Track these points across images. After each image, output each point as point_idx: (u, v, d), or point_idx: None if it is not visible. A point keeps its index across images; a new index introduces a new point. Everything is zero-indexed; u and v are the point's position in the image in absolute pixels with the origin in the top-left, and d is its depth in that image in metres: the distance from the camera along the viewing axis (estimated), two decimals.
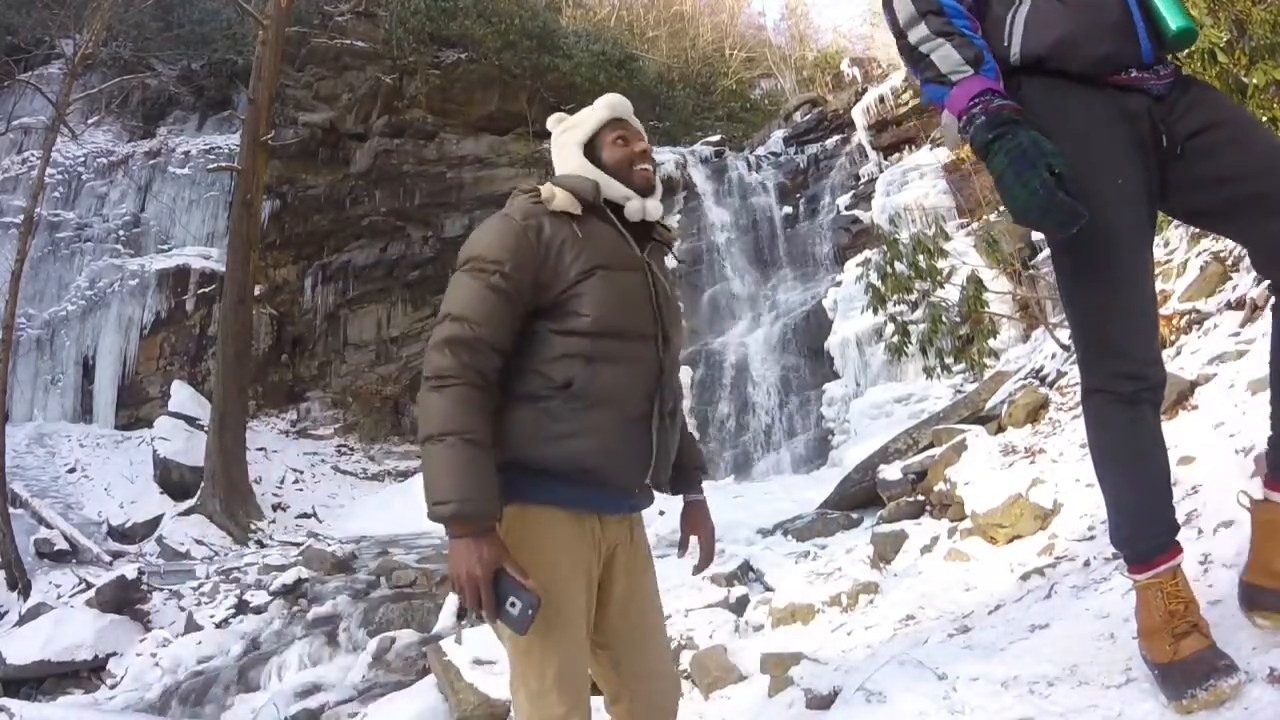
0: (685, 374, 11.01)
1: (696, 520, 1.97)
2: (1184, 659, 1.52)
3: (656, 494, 1.78)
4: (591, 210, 1.70)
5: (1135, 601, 1.65)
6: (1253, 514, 1.66)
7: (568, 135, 1.83)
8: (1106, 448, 1.65)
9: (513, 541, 1.56)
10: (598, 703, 1.78)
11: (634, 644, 1.76)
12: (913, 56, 1.63)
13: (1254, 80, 4.20)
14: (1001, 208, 9.20)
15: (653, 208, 1.79)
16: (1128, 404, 1.59)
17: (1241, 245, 1.69)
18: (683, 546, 1.97)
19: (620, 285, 1.66)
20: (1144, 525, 1.62)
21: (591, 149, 1.80)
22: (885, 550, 4.15)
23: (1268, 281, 1.62)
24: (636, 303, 1.69)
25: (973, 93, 1.52)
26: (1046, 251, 7.92)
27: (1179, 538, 1.64)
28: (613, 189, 1.75)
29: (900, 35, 1.65)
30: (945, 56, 1.56)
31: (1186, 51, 3.64)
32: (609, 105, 1.84)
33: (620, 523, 1.74)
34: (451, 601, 5.21)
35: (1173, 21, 1.52)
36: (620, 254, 1.70)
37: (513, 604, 1.47)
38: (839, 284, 10.68)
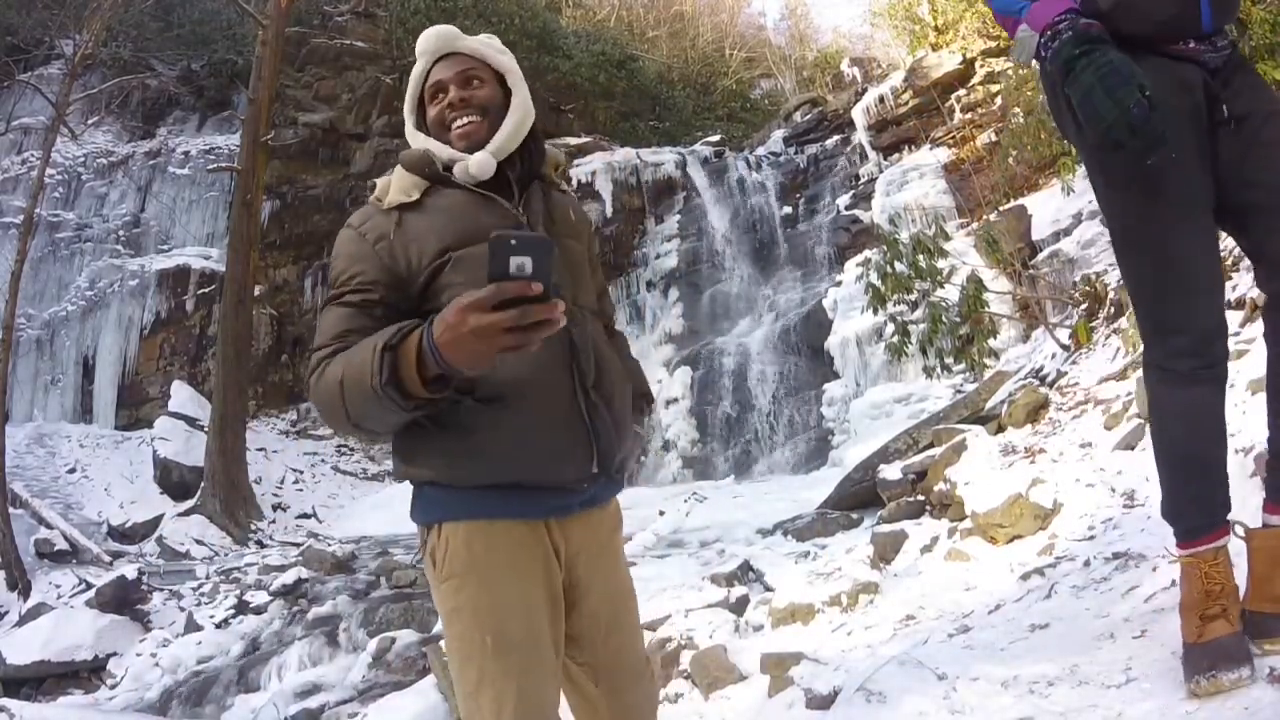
0: (685, 374, 11.02)
1: None
2: (1205, 643, 1.53)
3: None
4: (437, 180, 1.48)
5: (1178, 577, 1.66)
6: (1249, 542, 1.64)
7: (406, 99, 1.60)
8: (1161, 424, 1.64)
9: (453, 566, 1.40)
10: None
11: (610, 651, 1.56)
12: None
13: None
14: (1001, 208, 9.21)
15: (477, 163, 1.46)
16: (1186, 382, 1.56)
17: (1250, 255, 1.66)
18: None
19: (480, 259, 1.28)
20: (1190, 503, 1.62)
21: (422, 110, 1.57)
22: (885, 550, 4.15)
23: (1266, 298, 1.61)
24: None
25: (1059, 9, 1.49)
26: (1047, 252, 7.92)
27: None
28: (441, 153, 1.50)
29: None
30: None
31: None
32: (421, 52, 1.56)
33: (582, 520, 1.51)
34: None
35: None
36: (475, 224, 1.43)
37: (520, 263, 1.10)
38: (839, 284, 10.68)
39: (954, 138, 11.50)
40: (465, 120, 1.50)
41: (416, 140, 1.55)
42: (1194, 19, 1.51)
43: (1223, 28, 1.56)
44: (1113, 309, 5.43)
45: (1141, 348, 1.77)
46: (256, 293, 12.77)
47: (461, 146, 1.49)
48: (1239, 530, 1.67)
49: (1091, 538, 2.98)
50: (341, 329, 1.39)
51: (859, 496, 5.65)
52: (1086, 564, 2.69)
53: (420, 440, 1.42)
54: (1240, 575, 1.65)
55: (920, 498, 4.74)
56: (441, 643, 1.54)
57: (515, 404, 1.39)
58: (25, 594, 8.18)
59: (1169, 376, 1.58)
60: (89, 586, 7.78)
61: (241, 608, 7.10)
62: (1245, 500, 1.74)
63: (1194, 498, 1.61)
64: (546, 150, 1.59)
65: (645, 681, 1.65)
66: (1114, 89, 1.39)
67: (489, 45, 1.59)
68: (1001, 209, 9.21)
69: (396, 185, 1.49)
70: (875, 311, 6.92)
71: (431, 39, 1.55)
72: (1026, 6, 1.54)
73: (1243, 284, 4.12)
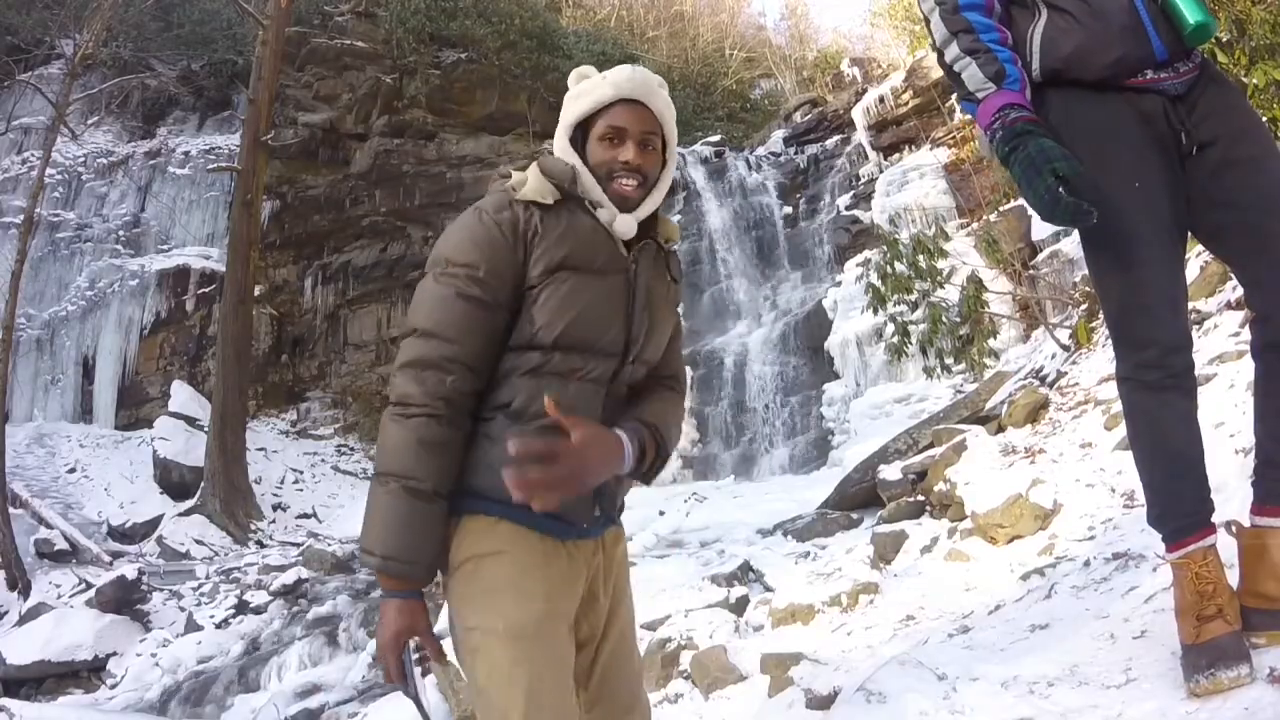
0: (685, 374, 11.01)
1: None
2: (1203, 643, 1.56)
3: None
4: (570, 198, 1.48)
5: (1171, 581, 1.69)
6: (1239, 540, 1.69)
7: (568, 106, 1.56)
8: (1136, 431, 1.71)
9: (472, 549, 1.39)
10: None
11: (610, 676, 1.54)
12: (949, 74, 1.71)
13: (1254, 80, 4.20)
14: (1001, 208, 9.22)
15: (622, 225, 1.50)
16: (1154, 391, 1.63)
17: (1234, 273, 1.73)
18: None
19: (587, 290, 1.44)
20: (1173, 505, 1.67)
21: (583, 131, 1.54)
22: (885, 550, 4.15)
23: (1255, 314, 1.67)
24: (603, 313, 1.46)
25: (994, 109, 1.60)
26: (1047, 252, 7.92)
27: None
28: (589, 188, 1.50)
29: (939, 55, 1.73)
30: (971, 75, 1.64)
31: None
32: (614, 84, 1.51)
33: (589, 544, 1.50)
34: None
35: (1190, 16, 1.55)
36: (595, 252, 1.46)
37: (412, 690, 1.34)
38: (839, 284, 10.68)
39: (954, 138, 11.50)
40: (629, 182, 1.50)
41: (569, 157, 1.53)
42: (1146, 52, 1.59)
43: (1182, 53, 1.61)
44: None
45: None
46: (256, 293, 12.78)
47: (613, 200, 1.50)
48: (1231, 528, 1.70)
49: (1091, 538, 2.99)
50: (466, 327, 1.39)
51: (859, 497, 5.65)
52: (1086, 564, 2.69)
53: (476, 447, 1.43)
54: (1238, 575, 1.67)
55: (920, 498, 4.74)
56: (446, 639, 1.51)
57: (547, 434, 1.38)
58: (25, 594, 8.19)
59: (1139, 387, 1.65)
60: (89, 586, 7.78)
61: (241, 608, 7.11)
62: (1246, 500, 1.74)
63: (1175, 500, 1.66)
64: (661, 217, 1.63)
65: (636, 716, 1.60)
66: (1031, 180, 1.52)
67: (669, 108, 1.59)
68: (1001, 209, 9.21)
69: (534, 185, 1.47)
70: (875, 312, 6.92)
71: (635, 84, 1.53)
72: (974, 109, 1.65)
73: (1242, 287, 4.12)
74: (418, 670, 1.37)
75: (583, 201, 1.50)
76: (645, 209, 1.54)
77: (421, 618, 1.37)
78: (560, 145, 1.56)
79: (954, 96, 1.76)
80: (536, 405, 1.38)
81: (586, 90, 1.54)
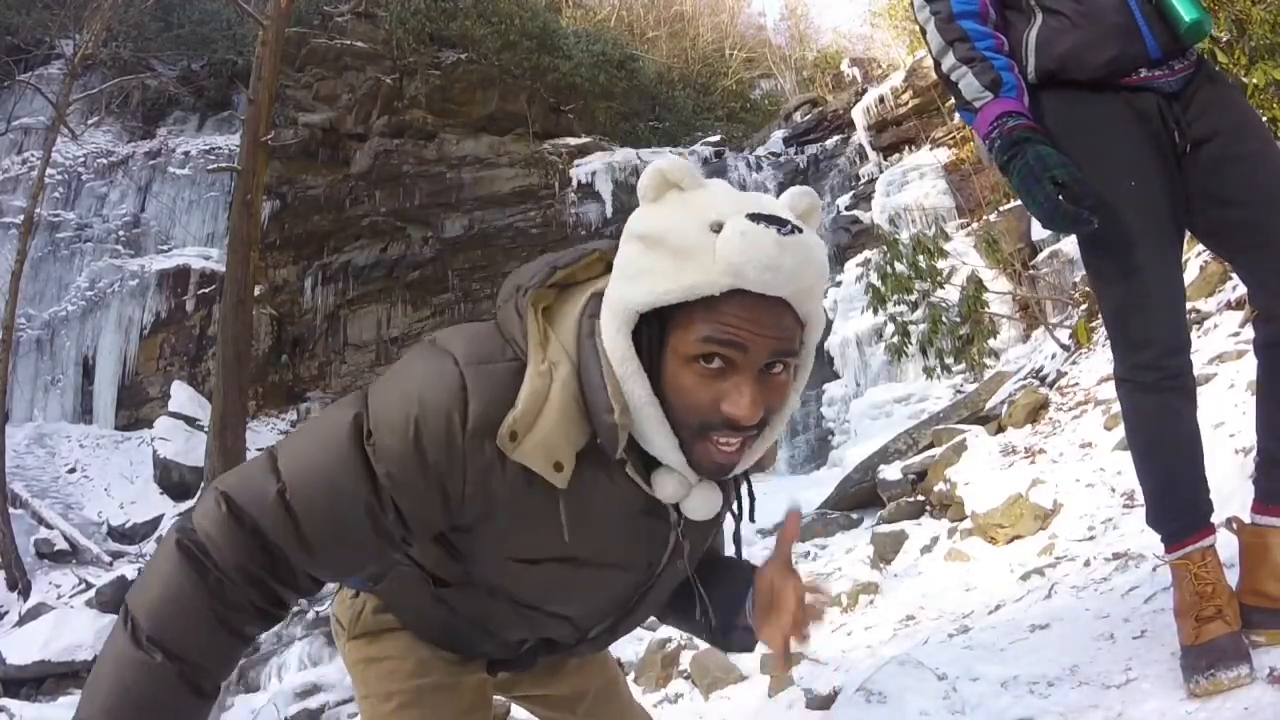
0: None
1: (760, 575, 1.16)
2: (1202, 644, 1.56)
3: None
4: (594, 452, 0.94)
5: (1171, 581, 1.69)
6: (1240, 537, 1.69)
7: (638, 260, 0.90)
8: (1135, 432, 1.71)
9: (366, 626, 1.22)
10: None
11: (599, 708, 1.41)
12: (947, 84, 1.70)
13: (1254, 80, 4.20)
14: (1001, 208, 9.22)
15: (700, 504, 0.99)
16: (1152, 391, 1.63)
17: (1235, 271, 1.73)
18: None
19: (584, 577, 1.05)
20: (1172, 506, 1.67)
21: (660, 332, 0.89)
22: (885, 550, 4.15)
23: (1257, 311, 1.67)
24: (612, 592, 1.11)
25: (991, 118, 1.59)
26: (1047, 252, 7.93)
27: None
28: (656, 439, 0.91)
29: (936, 65, 1.72)
30: (968, 84, 1.63)
31: None
32: (735, 270, 0.84)
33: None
34: None
35: (1185, 14, 1.54)
36: (612, 541, 1.02)
37: None
38: (839, 284, 10.67)
39: (954, 138, 11.50)
40: (731, 443, 0.91)
41: (631, 380, 0.89)
42: (1140, 51, 1.58)
43: (1177, 51, 1.60)
44: None
45: None
46: (256, 293, 12.77)
47: (699, 466, 0.93)
48: (1232, 524, 1.70)
49: (1091, 538, 2.99)
50: (315, 527, 0.91)
51: (859, 497, 5.65)
52: (1086, 564, 2.69)
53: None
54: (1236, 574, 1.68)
55: (920, 498, 4.74)
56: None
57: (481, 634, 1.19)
58: (25, 594, 8.19)
59: (1137, 387, 1.65)
60: (89, 586, 7.78)
61: None
62: (1246, 500, 1.74)
63: (1174, 501, 1.66)
64: None
65: None
66: (1030, 188, 1.51)
67: (822, 279, 0.94)
68: (1001, 209, 9.21)
69: (547, 431, 0.90)
70: (875, 312, 6.92)
71: (784, 270, 0.86)
72: (972, 117, 1.65)
73: (1243, 285, 4.12)
74: None
75: (624, 462, 0.94)
76: (743, 468, 0.98)
77: None
78: (616, 348, 0.90)
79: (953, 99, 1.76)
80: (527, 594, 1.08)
81: (687, 245, 0.86)
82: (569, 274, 1.00)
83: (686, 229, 0.87)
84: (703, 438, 0.90)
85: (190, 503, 10.47)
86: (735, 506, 1.13)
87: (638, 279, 0.89)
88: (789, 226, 0.87)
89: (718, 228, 0.86)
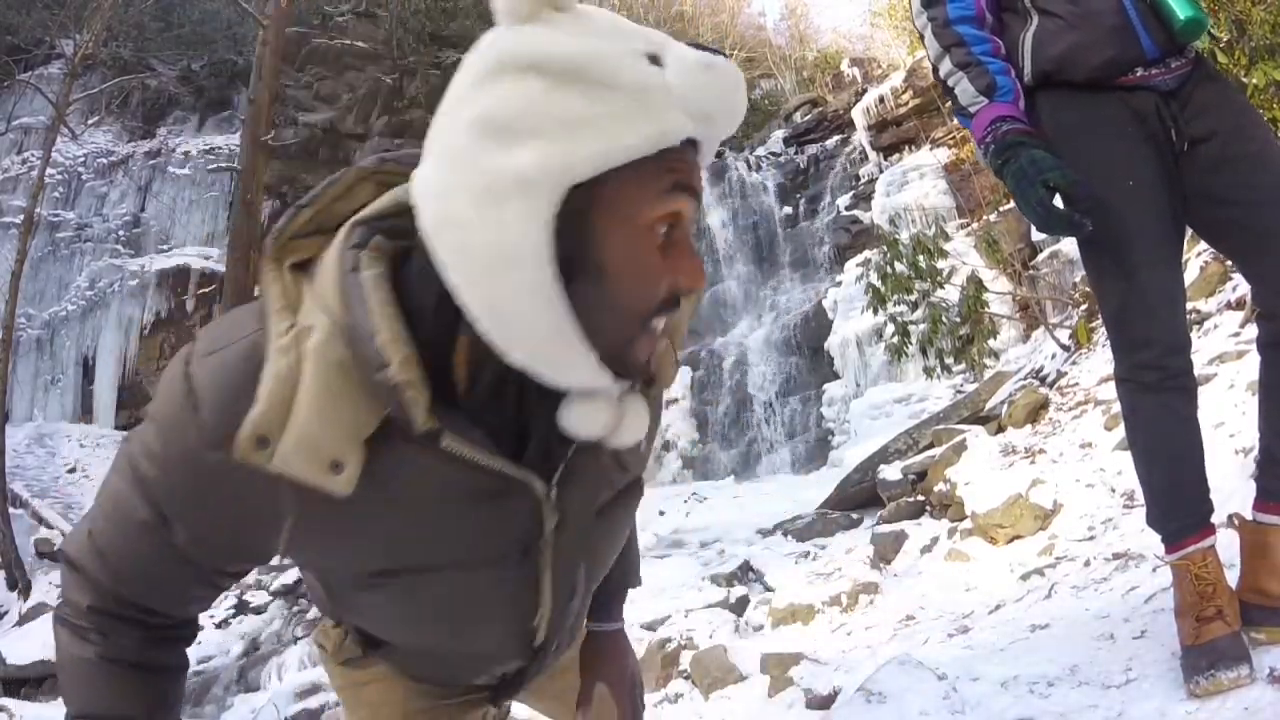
0: (685, 374, 11.02)
1: (596, 662, 1.11)
2: (1203, 644, 1.56)
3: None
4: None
5: (1171, 581, 1.69)
6: (1240, 533, 1.69)
7: (567, 102, 0.64)
8: (1135, 432, 1.71)
9: (352, 652, 1.03)
10: None
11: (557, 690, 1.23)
12: (944, 89, 1.71)
13: (1254, 80, 4.20)
14: (1001, 208, 9.23)
15: (634, 425, 0.75)
16: (1153, 391, 1.63)
17: (1238, 269, 1.73)
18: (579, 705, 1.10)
19: (436, 591, 0.83)
20: (1172, 506, 1.66)
21: (583, 214, 0.65)
22: (885, 550, 4.15)
23: (1259, 310, 1.67)
24: (485, 609, 0.88)
25: (986, 122, 1.60)
26: (1047, 252, 7.93)
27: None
28: (570, 366, 0.68)
29: (934, 70, 1.73)
30: (964, 90, 1.64)
31: None
32: (704, 114, 0.68)
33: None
34: None
35: (1180, 12, 1.54)
36: (470, 530, 0.78)
37: None
38: (839, 284, 10.68)
39: (954, 138, 11.49)
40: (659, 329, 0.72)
41: (538, 282, 0.65)
42: (1136, 51, 1.58)
43: (1174, 50, 1.60)
44: None
45: None
46: (256, 293, 12.77)
47: (630, 366, 0.71)
48: (1233, 520, 1.70)
49: (1091, 538, 2.99)
50: (129, 556, 0.80)
51: (859, 497, 5.65)
52: (1086, 564, 2.69)
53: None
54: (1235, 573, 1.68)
55: (920, 498, 4.74)
56: None
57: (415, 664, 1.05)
58: (25, 594, 8.19)
59: (1137, 387, 1.65)
60: None
61: (241, 608, 7.10)
62: (1245, 500, 1.75)
63: (1174, 501, 1.66)
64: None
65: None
66: (1024, 192, 1.52)
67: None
68: (1001, 209, 9.21)
69: (305, 433, 0.67)
70: (875, 312, 6.92)
71: (735, 115, 0.71)
72: (969, 122, 1.66)
73: (1243, 284, 4.12)
74: None
75: (437, 435, 0.69)
76: (647, 406, 0.79)
77: None
78: (521, 234, 0.63)
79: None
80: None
81: (624, 85, 0.64)
82: (321, 211, 0.77)
83: (617, 61, 0.64)
84: (644, 331, 0.69)
85: None
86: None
87: (568, 132, 0.62)
88: (726, 55, 0.69)
89: (655, 59, 0.65)
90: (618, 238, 0.65)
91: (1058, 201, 1.50)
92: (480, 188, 0.64)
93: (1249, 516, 1.68)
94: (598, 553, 0.94)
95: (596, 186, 0.64)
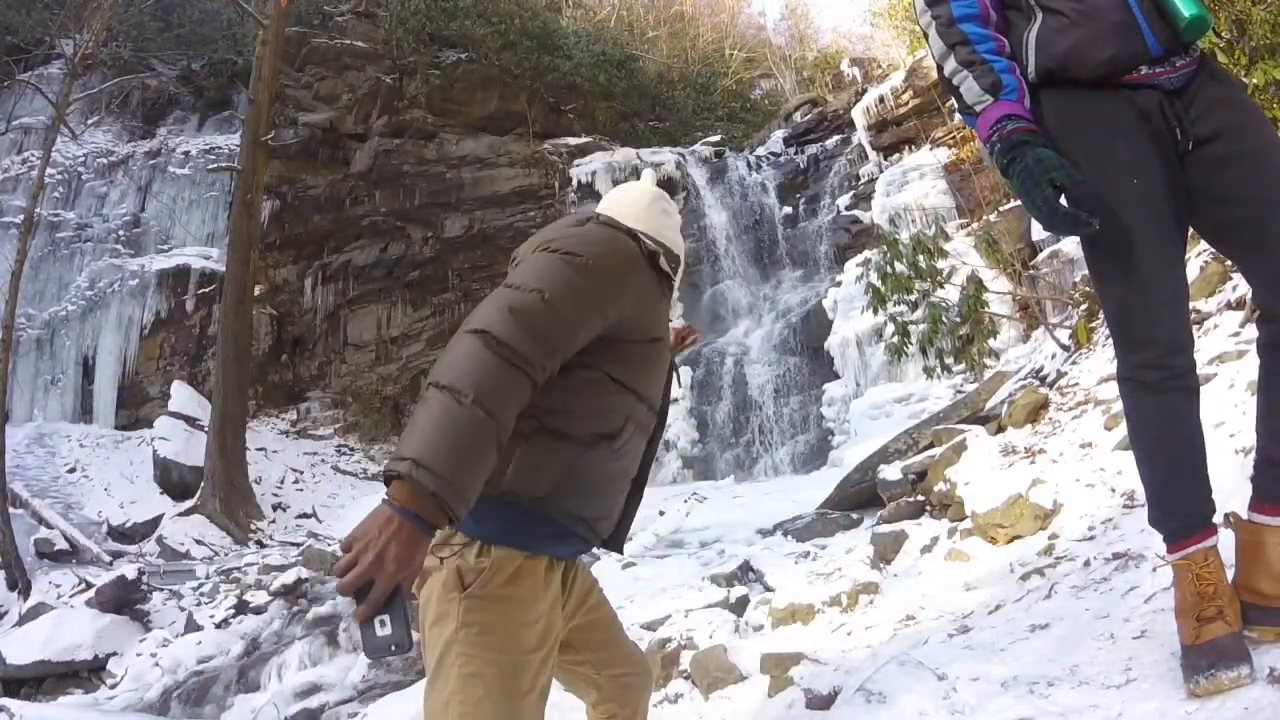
0: (685, 374, 11.02)
1: None
2: (1202, 644, 1.56)
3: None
4: (666, 279, 1.65)
5: (1172, 581, 1.69)
6: (1236, 533, 1.69)
7: (665, 220, 1.77)
8: (1137, 431, 1.71)
9: (490, 588, 1.42)
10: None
11: (603, 646, 1.78)
12: (948, 88, 1.71)
13: (1254, 80, 4.20)
14: (1001, 208, 9.23)
15: (677, 310, 1.84)
16: (1155, 391, 1.62)
17: (1239, 270, 1.72)
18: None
19: (663, 359, 1.67)
20: (1174, 506, 1.66)
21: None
22: (885, 550, 4.15)
23: (1259, 311, 1.66)
24: (664, 378, 1.71)
25: (991, 121, 1.60)
26: (1047, 252, 7.93)
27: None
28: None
29: (938, 69, 1.73)
30: (969, 88, 1.64)
31: None
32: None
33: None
34: None
35: (1184, 10, 1.53)
36: (666, 329, 1.70)
37: (383, 623, 1.15)
38: (839, 284, 10.68)
39: (954, 138, 11.50)
40: None
41: (663, 238, 1.75)
42: (1139, 49, 1.58)
43: (1179, 48, 1.60)
44: None
45: None
46: (256, 293, 12.77)
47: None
48: (1229, 519, 1.70)
49: (1091, 538, 2.98)
50: (580, 325, 1.41)
51: (859, 497, 5.64)
52: (1086, 564, 2.69)
53: (529, 456, 1.44)
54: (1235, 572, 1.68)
55: (920, 498, 4.73)
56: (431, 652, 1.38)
57: (624, 473, 1.62)
58: (25, 594, 8.18)
59: (1139, 387, 1.64)
60: (89, 586, 7.77)
61: (241, 608, 7.10)
62: (1246, 500, 1.74)
63: (1176, 501, 1.66)
64: None
65: (635, 661, 1.85)
66: (1029, 191, 1.52)
67: None
68: (1001, 209, 9.21)
69: (661, 256, 1.61)
70: (875, 312, 6.92)
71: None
72: (974, 121, 1.66)
73: (1243, 284, 4.12)
74: (396, 607, 1.16)
75: (670, 287, 1.67)
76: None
77: (420, 562, 1.18)
78: (656, 227, 1.73)
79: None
80: (629, 448, 1.58)
81: (676, 242, 1.79)
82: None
83: (670, 226, 1.85)
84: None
85: (190, 503, 10.52)
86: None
87: (666, 228, 1.79)
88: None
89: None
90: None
91: (1063, 201, 1.50)
92: (649, 211, 1.78)
93: (1245, 516, 1.68)
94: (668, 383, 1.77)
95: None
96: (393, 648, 1.15)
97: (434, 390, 1.21)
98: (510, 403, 1.24)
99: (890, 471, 5.16)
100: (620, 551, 1.76)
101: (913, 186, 11.33)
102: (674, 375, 1.79)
